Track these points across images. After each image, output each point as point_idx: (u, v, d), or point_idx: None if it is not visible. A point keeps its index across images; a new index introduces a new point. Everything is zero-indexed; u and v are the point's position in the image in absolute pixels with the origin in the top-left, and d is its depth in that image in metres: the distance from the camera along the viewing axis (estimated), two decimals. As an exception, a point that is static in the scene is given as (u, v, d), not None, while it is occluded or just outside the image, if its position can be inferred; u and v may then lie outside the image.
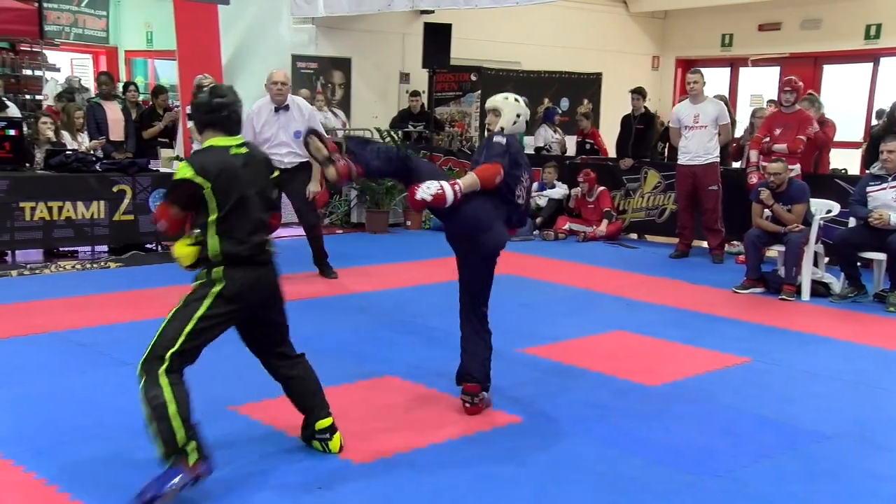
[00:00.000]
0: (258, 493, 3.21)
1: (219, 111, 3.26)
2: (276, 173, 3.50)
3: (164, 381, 3.09)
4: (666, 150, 10.55)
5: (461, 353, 4.12)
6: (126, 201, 7.72)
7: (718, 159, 8.41)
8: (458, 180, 3.85)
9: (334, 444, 3.52)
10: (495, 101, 4.20)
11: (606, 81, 13.38)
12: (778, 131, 7.89)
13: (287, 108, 6.91)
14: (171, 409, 3.05)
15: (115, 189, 7.67)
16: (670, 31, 15.22)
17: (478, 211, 3.88)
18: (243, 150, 3.29)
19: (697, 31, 14.64)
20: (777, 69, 13.47)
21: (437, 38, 10.82)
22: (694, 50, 14.84)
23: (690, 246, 8.77)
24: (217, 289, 3.23)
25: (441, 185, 3.77)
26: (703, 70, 8.74)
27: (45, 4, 10.99)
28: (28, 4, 10.48)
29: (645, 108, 9.80)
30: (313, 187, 7.01)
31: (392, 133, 10.56)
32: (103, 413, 3.96)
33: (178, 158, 8.63)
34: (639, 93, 9.69)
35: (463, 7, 9.78)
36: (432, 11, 10.95)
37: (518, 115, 4.13)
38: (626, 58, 14.39)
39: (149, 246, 8.10)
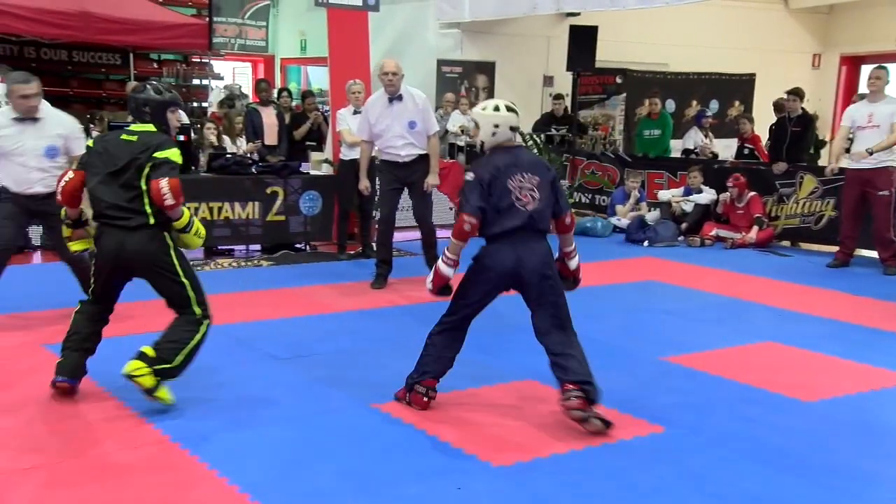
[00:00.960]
0: (394, 490, 3.27)
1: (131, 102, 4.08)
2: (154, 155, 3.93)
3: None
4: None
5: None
6: (278, 202, 8.09)
7: (893, 163, 7.80)
8: (446, 251, 3.98)
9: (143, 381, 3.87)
10: (473, 112, 4.11)
11: (760, 82, 12.77)
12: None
13: (400, 98, 6.74)
14: None
15: (268, 191, 8.06)
16: (835, 26, 14.32)
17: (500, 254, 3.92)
18: (130, 136, 3.96)
19: (869, 24, 13.64)
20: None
21: (582, 40, 10.69)
22: (863, 45, 13.87)
23: (852, 255, 8.21)
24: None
25: (435, 267, 4.02)
26: (870, 67, 8.15)
27: (214, 19, 11.72)
28: (200, 20, 11.22)
29: (802, 109, 9.28)
30: (432, 180, 6.83)
31: (534, 137, 10.52)
32: (256, 404, 4.16)
33: (327, 161, 8.96)
34: (795, 93, 9.19)
35: (609, 8, 9.62)
36: (578, 14, 10.84)
37: (496, 126, 3.93)
38: (783, 57, 13.68)
39: (298, 246, 8.46)
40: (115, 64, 11.88)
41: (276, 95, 10.67)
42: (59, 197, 3.97)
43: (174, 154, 3.97)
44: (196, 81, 12.48)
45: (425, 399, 4.07)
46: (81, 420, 3.91)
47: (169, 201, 3.89)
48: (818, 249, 8.95)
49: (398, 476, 3.39)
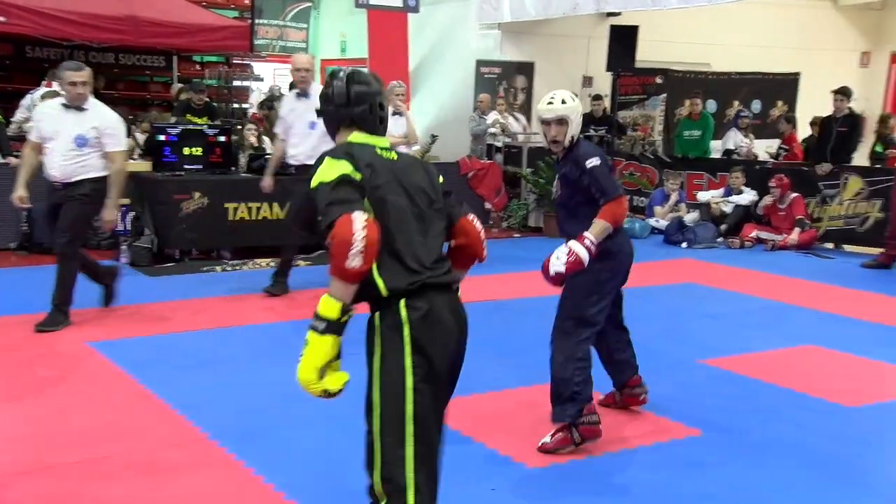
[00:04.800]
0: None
1: (359, 103, 2.44)
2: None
3: None
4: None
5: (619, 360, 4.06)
6: (316, 202, 8.16)
7: None
8: (587, 234, 3.47)
9: None
10: (558, 109, 3.61)
11: (805, 82, 12.55)
12: None
13: (308, 95, 6.10)
14: None
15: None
16: (888, 22, 13.97)
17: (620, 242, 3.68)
18: (393, 154, 2.44)
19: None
20: None
21: (622, 40, 10.62)
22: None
23: (895, 259, 8.04)
24: (407, 336, 2.33)
25: (570, 249, 3.46)
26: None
27: (255, 21, 11.88)
28: (242, 22, 11.38)
29: (849, 109, 9.11)
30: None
31: (573, 137, 10.47)
32: (296, 403, 4.21)
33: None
34: (842, 93, 9.03)
35: (651, 8, 9.53)
36: (619, 14, 10.76)
37: (580, 114, 3.70)
38: (829, 55, 13.42)
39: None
40: (159, 66, 12.11)
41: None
42: (360, 251, 2.13)
43: None
44: (237, 83, 12.65)
45: (599, 426, 3.64)
46: (125, 416, 3.99)
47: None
48: (863, 252, 8.78)
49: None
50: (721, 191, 9.81)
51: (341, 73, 2.51)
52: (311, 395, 2.32)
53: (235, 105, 12.33)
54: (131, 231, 7.68)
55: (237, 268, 7.52)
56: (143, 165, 8.04)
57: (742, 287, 7.18)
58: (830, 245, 9.34)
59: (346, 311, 2.24)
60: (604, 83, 11.56)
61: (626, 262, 3.72)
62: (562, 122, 3.60)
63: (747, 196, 9.54)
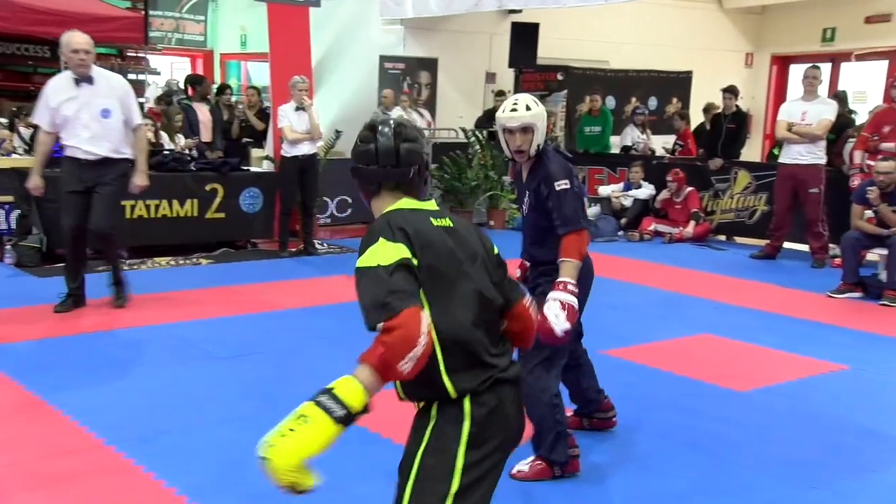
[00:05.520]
0: (342, 490, 3.27)
1: (409, 164, 2.14)
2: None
3: None
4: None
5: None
6: (218, 200, 7.99)
7: (823, 161, 8.07)
8: (564, 279, 3.20)
9: None
10: (523, 116, 3.27)
11: (697, 80, 13.05)
12: (887, 129, 7.55)
13: (91, 80, 5.46)
14: None
15: (207, 188, 7.95)
16: (767, 26, 14.72)
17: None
18: (446, 221, 2.14)
19: (797, 25, 14.09)
20: (885, 63, 12.85)
21: (524, 37, 10.78)
22: (792, 46, 14.31)
23: (779, 249, 8.47)
24: (465, 433, 2.04)
25: (562, 303, 3.13)
26: (799, 67, 8.44)
27: (150, 12, 11.46)
28: (135, 13, 10.95)
29: (737, 106, 9.52)
30: (140, 180, 5.74)
31: (477, 133, 10.56)
32: (199, 404, 4.10)
33: (268, 158, 8.87)
34: (730, 91, 9.42)
35: (551, 6, 9.70)
36: (520, 11, 10.92)
37: (545, 120, 3.40)
38: (718, 55, 14.00)
39: (238, 243, 8.35)
40: (44, 56, 11.48)
41: (216, 92, 10.53)
42: (417, 357, 1.86)
43: None
44: (132, 76, 12.16)
45: (579, 458, 3.44)
46: (12, 425, 3.80)
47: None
48: (752, 243, 9.20)
49: (345, 475, 3.38)
50: (621, 185, 10.10)
51: (385, 127, 2.15)
52: (276, 480, 1.86)
53: (131, 99, 11.83)
54: (17, 230, 7.29)
55: (135, 267, 7.26)
56: (30, 161, 7.64)
57: (641, 279, 7.41)
58: (723, 237, 9.75)
59: (367, 407, 1.89)
60: (507, 79, 11.71)
61: (591, 283, 3.55)
62: (527, 130, 3.28)
63: (646, 190, 9.85)
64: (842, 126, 8.48)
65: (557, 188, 3.26)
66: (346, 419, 1.84)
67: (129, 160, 5.69)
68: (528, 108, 3.29)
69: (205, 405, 4.09)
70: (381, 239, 1.99)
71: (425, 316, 1.88)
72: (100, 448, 3.55)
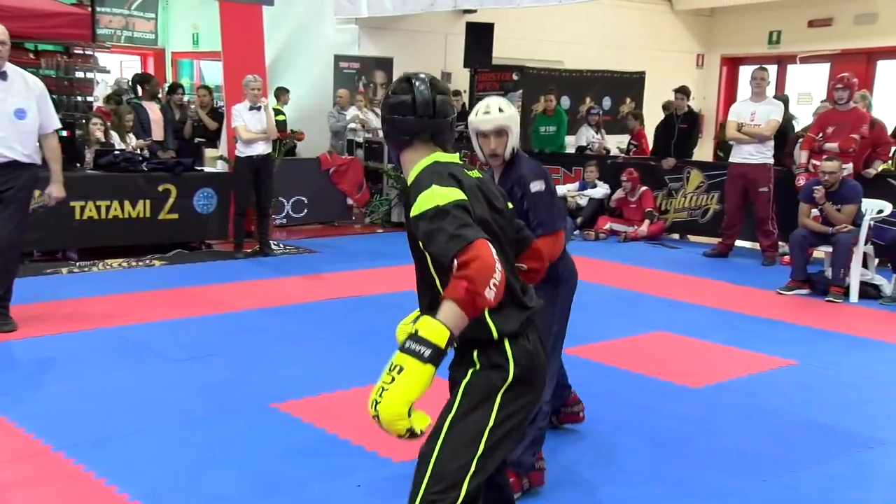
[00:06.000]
0: (297, 491, 3.24)
1: (444, 115, 2.20)
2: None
3: None
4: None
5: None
6: (171, 200, 7.86)
7: (772, 161, 8.26)
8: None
9: None
10: (497, 119, 3.21)
11: (650, 80, 13.24)
12: (831, 129, 7.74)
13: (5, 75, 5.03)
14: None
15: (160, 188, 7.82)
16: (716, 28, 15.00)
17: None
18: (476, 172, 2.24)
19: (744, 28, 14.40)
20: (827, 66, 13.20)
21: (479, 37, 10.82)
22: (740, 47, 14.61)
23: (731, 247, 8.63)
24: (511, 374, 2.11)
25: None
26: (748, 68, 8.63)
27: (97, 9, 11.21)
28: (82, 9, 10.71)
29: (688, 107, 9.68)
30: (56, 191, 5.32)
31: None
32: (152, 408, 4.03)
33: (222, 158, 8.77)
34: (682, 92, 9.57)
35: (506, 6, 9.75)
36: (475, 11, 10.95)
37: (518, 123, 3.36)
38: (670, 56, 14.23)
39: (192, 244, 8.24)
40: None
41: (168, 91, 10.38)
42: (497, 284, 1.92)
43: None
44: (79, 74, 11.89)
45: (544, 472, 3.34)
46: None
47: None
48: (705, 241, 9.36)
49: (300, 476, 3.36)
50: (576, 185, 10.19)
51: (419, 80, 2.20)
52: (390, 432, 1.94)
53: (79, 98, 11.59)
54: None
55: (85, 269, 7.12)
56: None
57: (597, 277, 7.48)
58: (676, 235, 9.90)
59: (452, 341, 1.92)
60: (463, 79, 11.74)
61: (575, 284, 3.52)
62: (501, 132, 3.21)
63: (601, 190, 9.95)
64: (783, 129, 8.67)
65: (532, 190, 3.23)
66: (435, 357, 1.90)
67: (38, 166, 5.21)
68: (500, 111, 3.25)
69: (158, 408, 4.02)
70: (433, 185, 2.04)
71: (492, 246, 1.93)
72: (47, 454, 3.47)
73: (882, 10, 12.63)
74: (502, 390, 2.09)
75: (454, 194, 2.01)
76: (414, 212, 2.03)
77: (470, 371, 2.14)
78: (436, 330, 1.90)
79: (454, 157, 2.20)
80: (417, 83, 2.20)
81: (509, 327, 2.11)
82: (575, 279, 3.50)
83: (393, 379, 1.89)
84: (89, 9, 10.68)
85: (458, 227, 1.94)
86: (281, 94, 10.57)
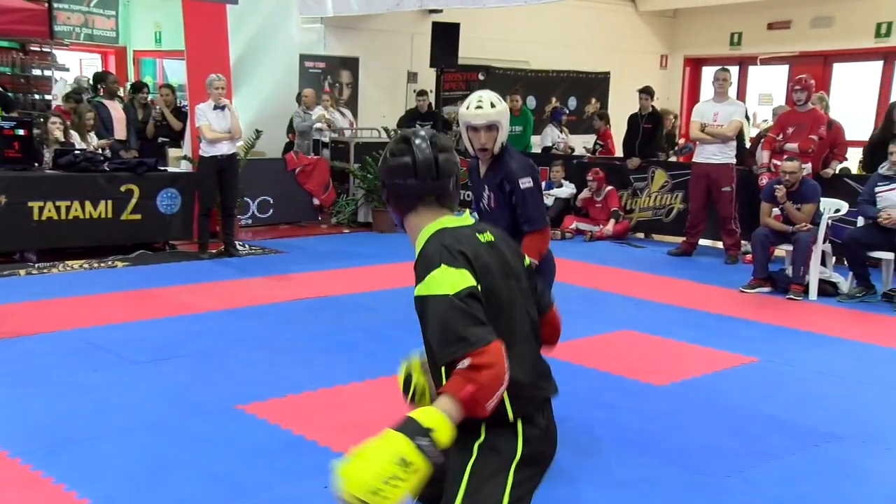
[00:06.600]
0: (263, 492, 3.22)
1: (448, 175, 2.04)
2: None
3: None
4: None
5: None
6: (134, 200, 7.75)
7: (734, 160, 8.38)
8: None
9: None
10: (489, 114, 3.26)
11: (614, 81, 13.34)
12: (791, 130, 7.87)
13: None
14: None
15: (122, 188, 7.71)
16: (679, 29, 15.18)
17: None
18: (488, 235, 2.06)
19: (706, 29, 14.60)
20: (786, 68, 13.43)
21: (445, 37, 10.81)
22: (703, 48, 14.79)
23: (695, 246, 8.74)
24: (518, 453, 1.98)
25: None
26: (711, 69, 8.75)
27: (55, 5, 11.01)
28: (38, 5, 10.50)
29: (653, 107, 9.77)
30: None
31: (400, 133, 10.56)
32: (113, 411, 3.97)
33: (186, 158, 8.66)
34: (647, 92, 9.66)
35: (471, 6, 9.76)
36: (440, 11, 10.95)
37: (508, 118, 3.44)
38: (635, 57, 14.35)
39: (156, 245, 8.13)
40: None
41: (132, 90, 10.23)
42: (501, 393, 1.85)
43: None
44: (36, 72, 11.66)
45: None
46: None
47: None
48: (669, 240, 9.46)
49: (265, 477, 3.33)
50: (542, 184, 10.22)
51: (418, 138, 2.03)
52: None
53: (37, 96, 11.38)
54: None
55: (44, 271, 6.99)
56: None
57: (564, 276, 7.46)
58: (641, 235, 9.99)
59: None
60: (429, 79, 11.73)
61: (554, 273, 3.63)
62: (492, 127, 3.25)
63: (567, 189, 10.01)
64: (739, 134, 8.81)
65: (522, 186, 3.27)
66: (439, 458, 1.75)
67: None
68: (492, 105, 3.27)
69: (119, 411, 3.96)
70: (442, 265, 1.87)
71: (503, 349, 1.80)
72: (3, 460, 3.40)
73: (837, 14, 12.89)
74: (513, 467, 1.95)
75: (464, 280, 1.85)
76: (420, 291, 1.89)
77: (477, 443, 1.96)
78: (446, 429, 1.74)
79: (463, 220, 2.04)
80: (417, 141, 2.02)
81: (524, 410, 1.98)
82: (553, 269, 3.62)
83: (403, 479, 1.69)
84: (46, 5, 10.48)
85: (467, 326, 1.79)
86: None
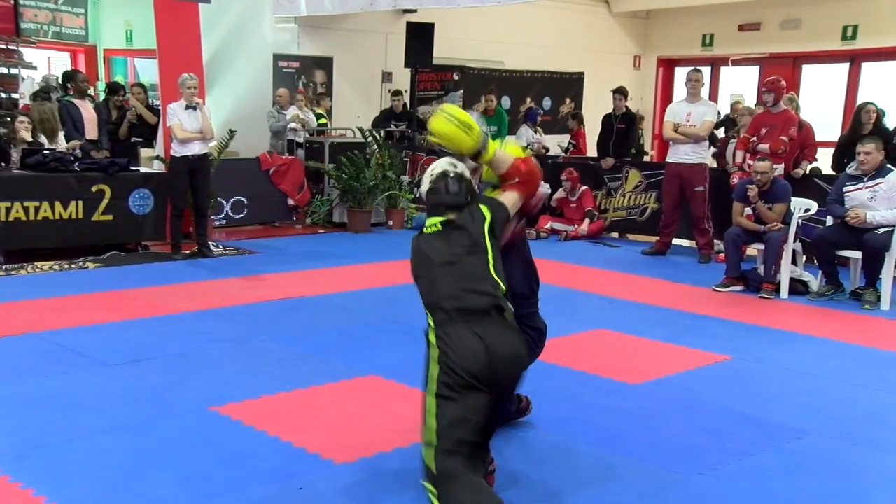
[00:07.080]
0: (238, 494, 3.19)
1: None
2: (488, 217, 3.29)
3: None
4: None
5: None
6: (105, 201, 7.67)
7: (706, 160, 8.48)
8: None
9: None
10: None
11: (588, 81, 13.42)
12: (764, 131, 7.97)
13: None
14: None
15: (93, 189, 7.61)
16: (652, 30, 15.30)
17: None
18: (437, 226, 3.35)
19: (679, 30, 14.73)
20: (757, 69, 13.59)
21: (419, 37, 10.81)
22: (675, 49, 14.93)
23: (669, 245, 8.82)
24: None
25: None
26: (683, 69, 8.84)
27: (21, 2, 10.86)
28: (3, 2, 10.36)
29: (626, 107, 9.84)
30: None
31: (374, 133, 10.52)
32: (84, 414, 3.92)
33: (158, 158, 8.58)
34: (620, 92, 9.73)
35: (446, 6, 9.77)
36: (415, 11, 10.94)
37: None
38: (609, 57, 14.45)
39: (129, 246, 8.05)
40: None
41: (106, 91, 10.11)
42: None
43: None
44: (2, 70, 11.48)
45: (494, 473, 3.30)
46: None
47: None
48: (644, 240, 9.53)
49: (240, 480, 3.31)
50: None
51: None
52: None
53: (3, 95, 11.19)
54: None
55: (13, 273, 6.89)
56: None
57: (539, 276, 7.55)
58: (616, 234, 10.06)
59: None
60: (403, 79, 11.72)
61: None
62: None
63: (542, 189, 10.02)
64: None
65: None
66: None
67: None
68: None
69: (90, 415, 3.91)
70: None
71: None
72: (-25, 465, 3.35)
73: (805, 17, 13.08)
74: (433, 365, 2.89)
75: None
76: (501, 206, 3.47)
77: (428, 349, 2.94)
78: (494, 155, 3.38)
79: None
80: (448, 176, 3.38)
81: (436, 318, 3.03)
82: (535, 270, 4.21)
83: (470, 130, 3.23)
84: (12, 1, 10.33)
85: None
86: (321, 98, 10.78)
